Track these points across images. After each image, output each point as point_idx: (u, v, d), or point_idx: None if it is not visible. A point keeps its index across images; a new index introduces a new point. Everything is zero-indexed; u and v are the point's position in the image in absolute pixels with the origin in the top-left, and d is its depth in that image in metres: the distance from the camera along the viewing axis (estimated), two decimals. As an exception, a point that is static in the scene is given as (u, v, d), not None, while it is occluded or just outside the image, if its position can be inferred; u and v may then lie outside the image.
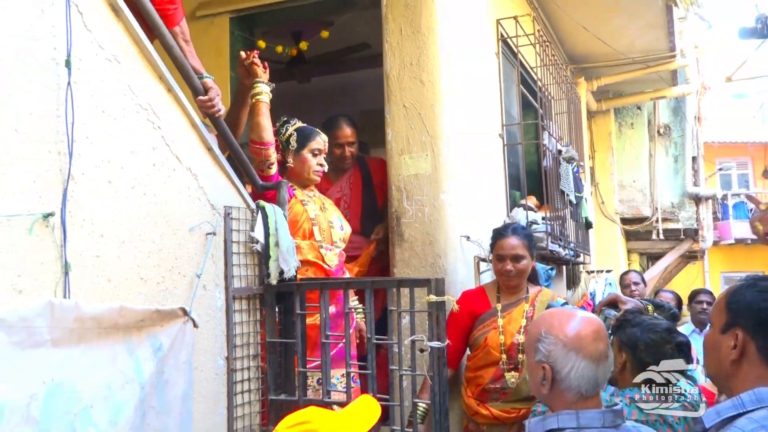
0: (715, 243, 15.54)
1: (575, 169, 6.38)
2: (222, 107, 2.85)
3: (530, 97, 5.73)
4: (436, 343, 2.49)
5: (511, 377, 3.31)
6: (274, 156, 3.22)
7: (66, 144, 1.95)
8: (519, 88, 5.41)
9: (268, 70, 3.28)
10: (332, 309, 2.98)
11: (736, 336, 1.73)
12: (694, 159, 10.84)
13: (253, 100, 3.21)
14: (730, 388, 1.74)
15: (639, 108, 9.85)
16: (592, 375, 1.80)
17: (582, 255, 6.65)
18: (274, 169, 3.21)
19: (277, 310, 2.81)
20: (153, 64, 2.32)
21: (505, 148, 5.18)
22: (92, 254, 2.02)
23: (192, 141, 2.48)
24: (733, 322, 1.75)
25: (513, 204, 5.32)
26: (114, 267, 2.10)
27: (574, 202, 6.32)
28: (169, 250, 2.33)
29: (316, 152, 3.43)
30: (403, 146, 3.94)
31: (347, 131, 4.29)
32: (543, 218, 5.20)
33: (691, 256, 11.58)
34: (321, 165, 3.45)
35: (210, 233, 2.51)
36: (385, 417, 2.78)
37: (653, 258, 11.16)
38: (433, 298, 2.53)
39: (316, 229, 3.30)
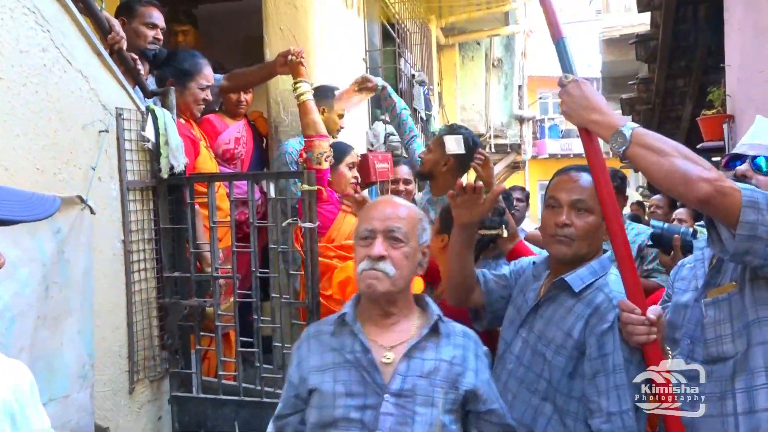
0: (534, 157, 16.50)
1: (426, 92, 6.46)
2: (123, 35, 2.64)
3: (389, 28, 5.68)
4: (308, 224, 2.50)
5: None
6: (329, 149, 2.93)
7: (-48, 39, 1.72)
8: (380, 19, 5.35)
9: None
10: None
11: None
12: (519, 87, 11.28)
13: (301, 100, 2.94)
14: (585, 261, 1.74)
15: (478, 44, 10.02)
16: None
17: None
18: (328, 164, 2.91)
19: (169, 200, 2.71)
20: (38, -30, 2.07)
21: (368, 70, 5.14)
22: (-13, 145, 1.84)
23: (81, 45, 2.25)
24: None
25: (374, 119, 5.34)
26: (10, 157, 1.92)
27: (425, 118, 6.43)
28: (63, 144, 2.16)
29: (351, 165, 3.14)
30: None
31: None
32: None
33: (515, 167, 12.21)
34: (355, 177, 3.16)
35: (103, 131, 2.34)
36: (264, 287, 2.80)
37: (486, 168, 11.65)
38: (305, 187, 2.53)
39: None
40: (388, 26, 5.71)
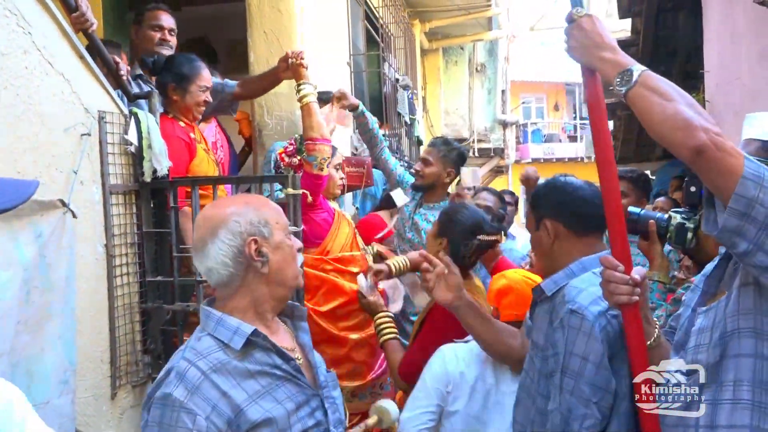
0: (517, 161, 16.57)
1: (410, 96, 6.49)
2: (94, 21, 2.60)
3: (374, 33, 5.70)
4: (293, 228, 2.50)
5: None
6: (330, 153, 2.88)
7: (-68, 41, 1.70)
8: (364, 23, 5.37)
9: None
10: None
11: (546, 225, 1.77)
12: (503, 92, 11.35)
13: (304, 102, 2.89)
14: (560, 268, 1.75)
15: (462, 48, 10.09)
16: None
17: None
18: (327, 170, 2.87)
19: (152, 204, 2.69)
20: (19, -28, 2.05)
21: (352, 74, 5.15)
22: (-33, 147, 1.82)
23: (63, 48, 2.24)
24: (539, 217, 1.79)
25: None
26: (-10, 160, 1.91)
27: (409, 123, 6.46)
28: (45, 147, 2.13)
29: (338, 167, 3.11)
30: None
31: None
32: (383, 135, 5.28)
33: (498, 171, 12.29)
34: (342, 178, 3.15)
35: (85, 134, 2.32)
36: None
37: (470, 172, 11.71)
38: (290, 191, 2.54)
39: (359, 239, 3.03)
40: (372, 30, 5.72)
